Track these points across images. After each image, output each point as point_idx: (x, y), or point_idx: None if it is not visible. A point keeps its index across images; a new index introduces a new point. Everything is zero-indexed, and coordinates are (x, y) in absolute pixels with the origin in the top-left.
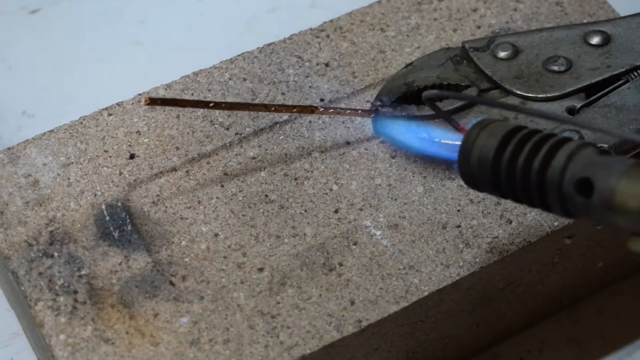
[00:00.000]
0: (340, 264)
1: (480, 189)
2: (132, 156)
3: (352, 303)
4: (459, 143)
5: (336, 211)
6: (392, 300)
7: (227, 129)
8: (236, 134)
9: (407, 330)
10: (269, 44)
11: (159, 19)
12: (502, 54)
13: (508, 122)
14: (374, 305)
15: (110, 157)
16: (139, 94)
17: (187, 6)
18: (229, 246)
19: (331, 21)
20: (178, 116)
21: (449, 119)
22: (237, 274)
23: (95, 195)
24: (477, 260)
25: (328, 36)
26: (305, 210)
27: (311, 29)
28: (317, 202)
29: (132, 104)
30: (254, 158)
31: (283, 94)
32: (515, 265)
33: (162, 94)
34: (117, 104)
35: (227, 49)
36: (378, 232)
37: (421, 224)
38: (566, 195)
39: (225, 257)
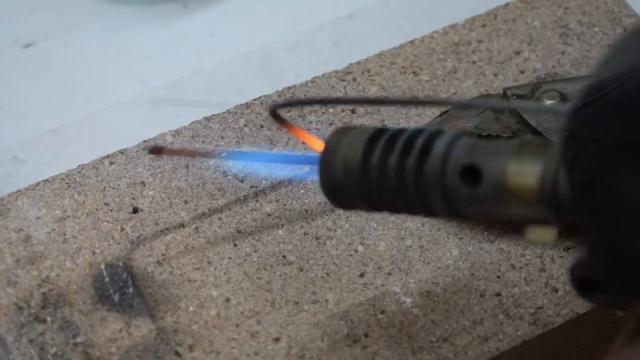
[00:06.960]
0: (366, 335)
1: (348, 204)
2: (135, 210)
3: None
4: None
5: (362, 275)
6: None
7: (242, 181)
8: (251, 186)
9: None
10: (289, 87)
11: (166, 55)
12: (548, 103)
13: (368, 127)
14: None
15: (111, 210)
16: (144, 141)
17: (198, 42)
18: (241, 312)
19: (358, 63)
20: (187, 166)
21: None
22: (250, 344)
23: (94, 253)
24: (519, 333)
25: (355, 79)
26: (327, 274)
27: (336, 71)
28: (341, 265)
29: (136, 151)
30: (270, 214)
31: (304, 143)
32: (562, 339)
33: (169, 141)
34: (120, 151)
35: (241, 90)
36: (408, 300)
37: (456, 291)
38: (450, 188)
39: (237, 325)
